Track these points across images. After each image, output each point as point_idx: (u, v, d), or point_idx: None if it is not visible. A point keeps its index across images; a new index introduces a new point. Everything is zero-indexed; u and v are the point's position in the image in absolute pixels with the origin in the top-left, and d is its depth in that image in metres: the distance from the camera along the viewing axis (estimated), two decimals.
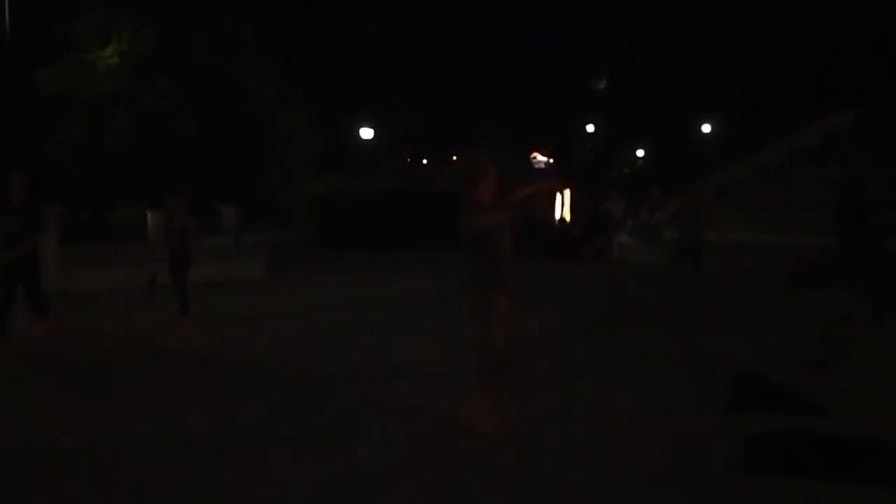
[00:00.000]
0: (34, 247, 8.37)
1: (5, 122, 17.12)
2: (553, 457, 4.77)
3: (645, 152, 39.34)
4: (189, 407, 6.00)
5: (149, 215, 17.43)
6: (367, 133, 31.70)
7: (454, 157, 31.45)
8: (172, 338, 8.84)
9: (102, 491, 4.42)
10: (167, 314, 10.69)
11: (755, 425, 5.03)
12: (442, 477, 4.49)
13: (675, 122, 34.02)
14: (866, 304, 8.78)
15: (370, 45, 29.95)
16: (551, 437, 5.10)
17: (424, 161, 36.67)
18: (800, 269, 12.13)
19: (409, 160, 36.64)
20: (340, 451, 4.93)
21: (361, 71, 30.13)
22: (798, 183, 19.10)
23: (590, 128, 36.07)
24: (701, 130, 35.34)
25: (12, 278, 8.37)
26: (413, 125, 32.52)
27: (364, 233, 19.91)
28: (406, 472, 4.57)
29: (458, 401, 5.58)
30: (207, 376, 7.02)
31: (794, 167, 20.55)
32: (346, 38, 30.07)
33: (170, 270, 9.79)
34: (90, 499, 4.34)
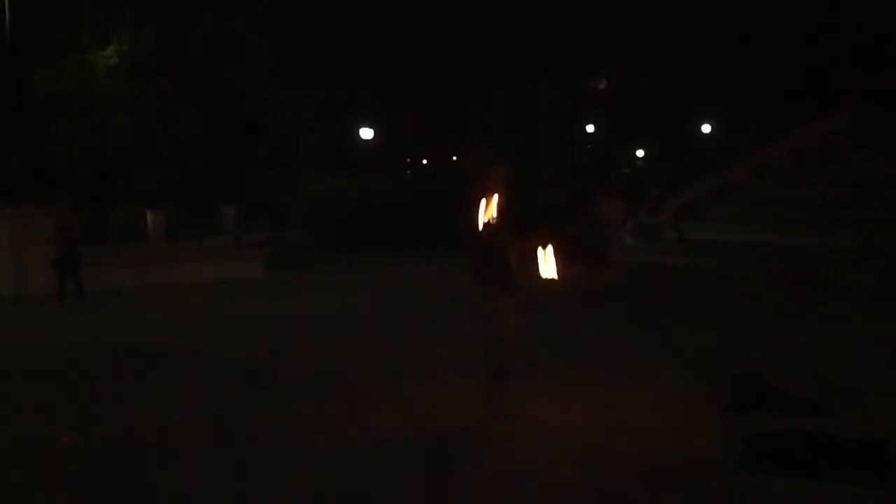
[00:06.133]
0: None
1: (5, 122, 17.13)
2: (552, 456, 4.77)
3: (645, 152, 39.31)
4: (188, 406, 6.01)
5: (149, 215, 17.45)
6: (367, 133, 31.68)
7: (454, 158, 31.46)
8: (171, 337, 8.85)
9: (102, 491, 4.42)
10: (166, 315, 10.72)
11: (755, 425, 5.03)
12: (443, 477, 4.49)
13: (675, 122, 33.99)
14: None
15: (369, 45, 29.96)
16: (551, 437, 5.10)
17: (424, 161, 36.65)
18: (800, 269, 12.12)
19: (408, 160, 36.63)
20: (340, 450, 4.93)
21: (361, 71, 30.13)
22: (798, 183, 19.10)
23: (590, 128, 36.06)
24: (701, 130, 35.31)
25: None
26: (413, 125, 32.52)
27: (364, 233, 19.88)
28: (407, 471, 4.58)
29: (459, 401, 5.59)
30: (207, 376, 7.03)
31: (794, 167, 20.55)
32: (345, 38, 30.07)
33: (57, 266, 10.71)
34: (90, 498, 4.34)
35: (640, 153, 39.85)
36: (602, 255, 11.68)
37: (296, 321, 9.91)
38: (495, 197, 4.97)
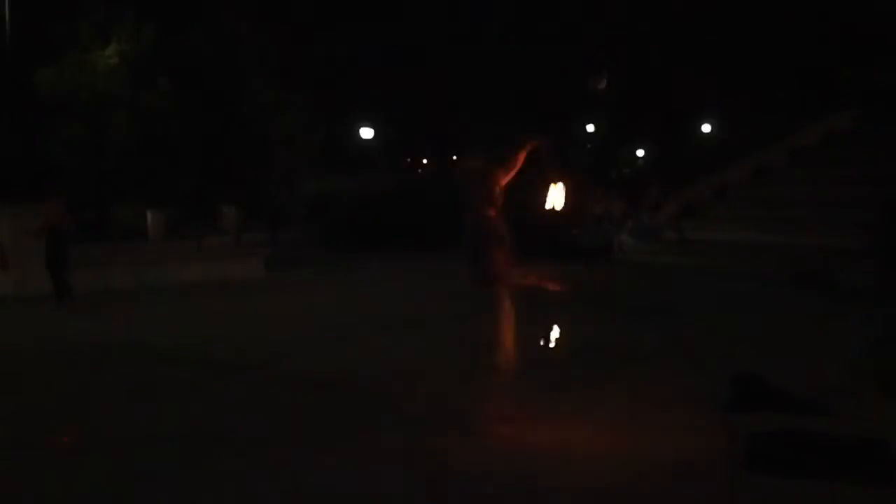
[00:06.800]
0: None
1: (5, 122, 17.12)
2: (553, 456, 4.77)
3: (645, 152, 39.31)
4: (188, 407, 6.01)
5: (149, 215, 17.44)
6: (367, 133, 31.69)
7: (454, 158, 31.44)
8: (171, 337, 8.85)
9: (102, 491, 4.42)
10: (166, 315, 10.72)
11: (755, 425, 5.02)
12: (443, 477, 4.49)
13: (675, 122, 33.99)
14: None
15: (370, 45, 29.98)
16: (551, 436, 5.10)
17: (424, 161, 36.68)
18: (800, 269, 12.12)
19: (408, 160, 36.66)
20: (340, 451, 4.93)
21: (361, 71, 30.14)
22: (798, 183, 19.11)
23: (590, 128, 36.08)
24: (701, 130, 35.32)
25: None
26: (412, 125, 32.53)
27: (363, 233, 19.89)
28: (407, 472, 4.57)
29: (459, 401, 5.58)
30: (207, 376, 7.03)
31: (795, 167, 20.56)
32: (346, 38, 30.06)
33: (46, 264, 10.77)
34: (90, 498, 4.34)
35: (640, 153, 39.85)
36: (603, 255, 11.75)
37: (296, 321, 9.91)
38: (558, 186, 5.06)
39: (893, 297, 9.58)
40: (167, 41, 17.55)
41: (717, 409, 5.57)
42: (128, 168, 17.15)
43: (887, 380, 6.00)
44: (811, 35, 26.56)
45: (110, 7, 17.22)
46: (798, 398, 5.62)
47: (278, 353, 7.90)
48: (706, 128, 35.27)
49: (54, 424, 5.62)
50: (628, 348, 7.82)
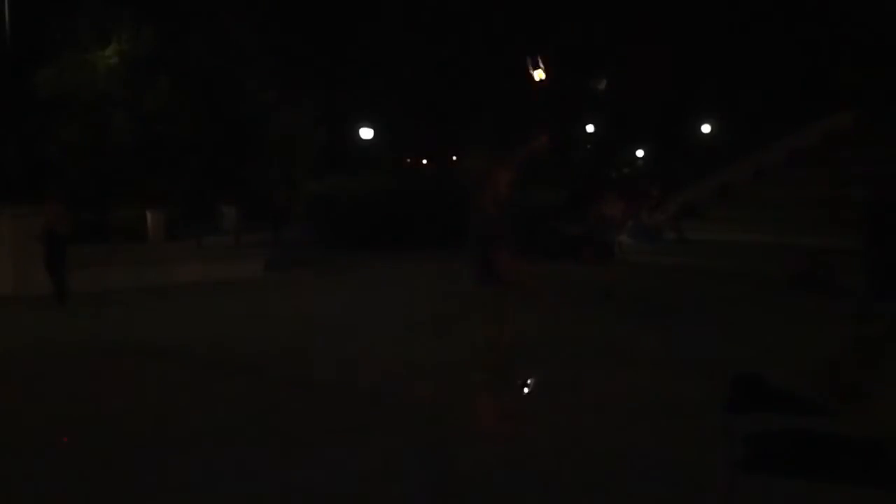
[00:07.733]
0: None
1: (5, 122, 17.14)
2: (552, 456, 4.77)
3: (645, 152, 39.34)
4: (188, 406, 6.01)
5: (148, 215, 17.46)
6: (367, 133, 31.69)
7: (454, 157, 31.45)
8: (171, 337, 8.85)
9: (102, 490, 4.42)
10: (166, 315, 10.72)
11: (755, 425, 5.02)
12: (442, 475, 4.49)
13: (675, 122, 34.00)
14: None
15: (369, 45, 29.98)
16: (551, 437, 5.10)
17: (424, 161, 36.68)
18: (799, 269, 12.11)
19: (408, 160, 36.67)
20: (340, 451, 4.94)
21: (361, 70, 30.15)
22: (798, 183, 19.11)
23: (590, 128, 36.10)
24: (701, 130, 35.33)
25: None
26: (412, 124, 32.53)
27: (364, 233, 19.89)
28: (407, 470, 4.58)
29: (458, 399, 5.59)
30: (207, 376, 7.03)
31: (794, 167, 20.56)
32: (346, 38, 30.06)
33: (45, 265, 10.99)
34: (89, 498, 4.34)
35: (640, 153, 39.88)
36: (610, 255, 11.74)
37: (296, 321, 9.90)
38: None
39: (880, 298, 9.55)
40: (167, 41, 17.57)
41: (717, 409, 5.56)
42: (128, 168, 17.16)
43: (849, 382, 6.01)
44: (812, 35, 26.57)
45: (110, 7, 17.24)
46: (798, 398, 5.61)
47: (278, 352, 7.90)
48: (706, 128, 35.29)
49: (54, 424, 5.62)
50: (628, 348, 7.82)
